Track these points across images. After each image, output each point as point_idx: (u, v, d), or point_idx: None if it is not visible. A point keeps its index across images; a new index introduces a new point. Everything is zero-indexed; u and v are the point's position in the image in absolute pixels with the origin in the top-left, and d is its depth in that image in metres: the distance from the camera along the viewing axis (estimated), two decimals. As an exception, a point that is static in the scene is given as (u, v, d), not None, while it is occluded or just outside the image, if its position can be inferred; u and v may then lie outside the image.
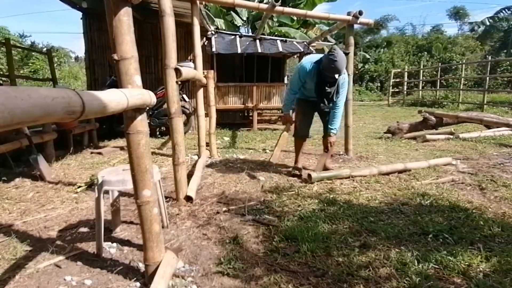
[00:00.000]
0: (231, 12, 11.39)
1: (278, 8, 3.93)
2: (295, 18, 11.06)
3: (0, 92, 0.65)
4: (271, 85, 7.47)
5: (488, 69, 10.69)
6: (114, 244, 1.95)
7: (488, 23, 21.41)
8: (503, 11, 21.22)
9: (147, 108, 1.52)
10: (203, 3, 4.91)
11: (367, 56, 21.92)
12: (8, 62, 4.82)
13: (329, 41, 9.92)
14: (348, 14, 3.99)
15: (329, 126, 3.11)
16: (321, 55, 2.99)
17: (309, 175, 3.04)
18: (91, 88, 6.48)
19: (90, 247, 1.93)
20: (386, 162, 3.89)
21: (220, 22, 10.88)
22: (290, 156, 4.33)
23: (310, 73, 2.98)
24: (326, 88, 2.91)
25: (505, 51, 19.42)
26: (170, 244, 1.96)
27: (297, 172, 3.33)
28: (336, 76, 2.80)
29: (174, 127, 2.57)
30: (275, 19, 11.36)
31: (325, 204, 2.53)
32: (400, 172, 3.29)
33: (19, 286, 1.57)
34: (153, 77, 6.44)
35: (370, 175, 3.17)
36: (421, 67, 15.59)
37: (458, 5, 28.71)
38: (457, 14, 28.43)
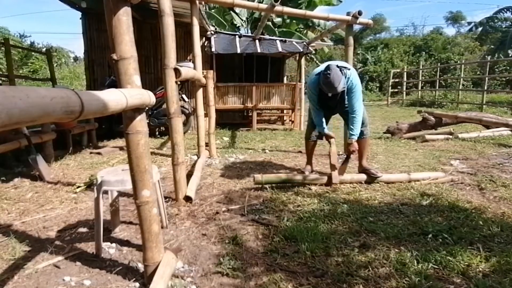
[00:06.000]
0: (231, 12, 11.38)
1: (278, 8, 3.94)
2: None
3: (-2, 92, 0.65)
4: (271, 85, 7.47)
5: (487, 69, 10.70)
6: (113, 244, 1.95)
7: (486, 23, 21.40)
8: (502, 11, 21.20)
9: (146, 108, 1.51)
10: (203, 3, 4.91)
11: (367, 56, 21.92)
12: (7, 62, 4.82)
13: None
14: (348, 14, 3.99)
15: (349, 131, 3.08)
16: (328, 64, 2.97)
17: (254, 177, 2.95)
18: (90, 88, 6.47)
19: (89, 247, 1.93)
20: (385, 162, 3.90)
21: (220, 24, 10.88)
22: (289, 156, 4.34)
23: (314, 84, 3.00)
24: (329, 98, 2.93)
25: (501, 52, 19.39)
26: (170, 244, 1.96)
27: (305, 173, 3.23)
28: (331, 93, 2.80)
29: (173, 127, 2.57)
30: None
31: (325, 204, 2.53)
32: (369, 183, 3.06)
33: (18, 286, 1.56)
34: (152, 77, 6.44)
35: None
36: (420, 67, 15.59)
37: (454, 10, 28.88)
38: (454, 18, 28.45)
